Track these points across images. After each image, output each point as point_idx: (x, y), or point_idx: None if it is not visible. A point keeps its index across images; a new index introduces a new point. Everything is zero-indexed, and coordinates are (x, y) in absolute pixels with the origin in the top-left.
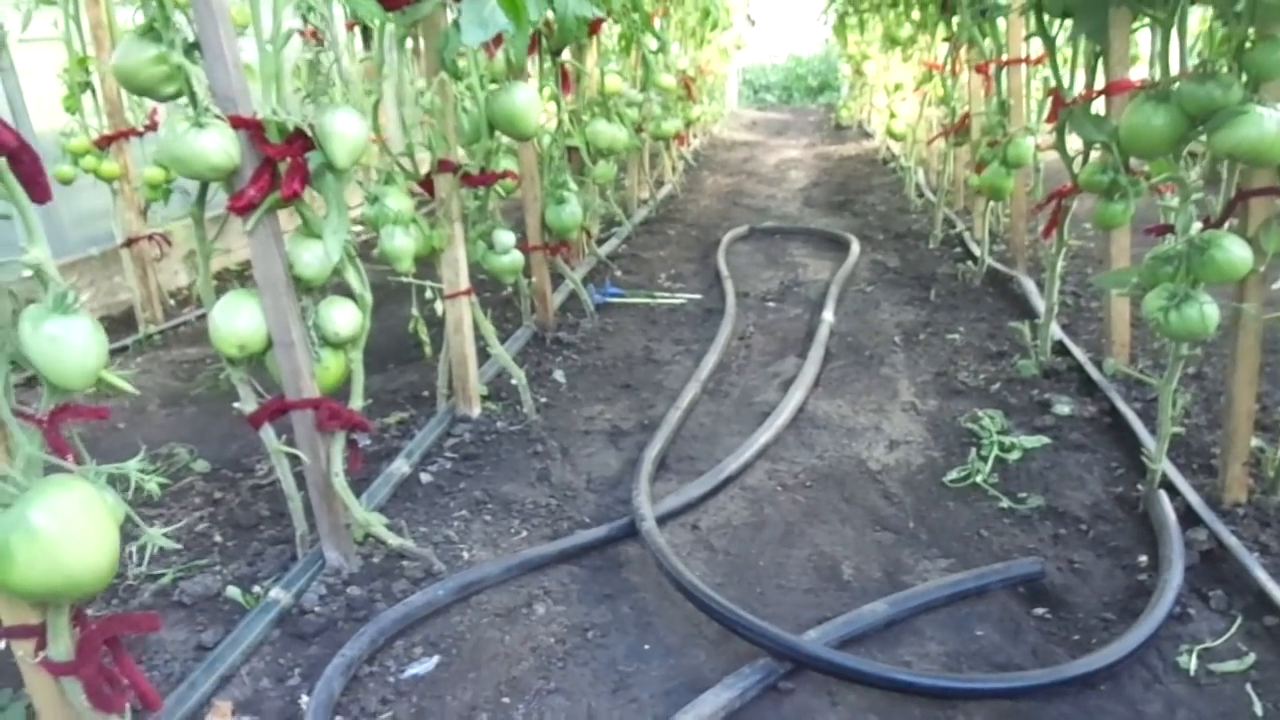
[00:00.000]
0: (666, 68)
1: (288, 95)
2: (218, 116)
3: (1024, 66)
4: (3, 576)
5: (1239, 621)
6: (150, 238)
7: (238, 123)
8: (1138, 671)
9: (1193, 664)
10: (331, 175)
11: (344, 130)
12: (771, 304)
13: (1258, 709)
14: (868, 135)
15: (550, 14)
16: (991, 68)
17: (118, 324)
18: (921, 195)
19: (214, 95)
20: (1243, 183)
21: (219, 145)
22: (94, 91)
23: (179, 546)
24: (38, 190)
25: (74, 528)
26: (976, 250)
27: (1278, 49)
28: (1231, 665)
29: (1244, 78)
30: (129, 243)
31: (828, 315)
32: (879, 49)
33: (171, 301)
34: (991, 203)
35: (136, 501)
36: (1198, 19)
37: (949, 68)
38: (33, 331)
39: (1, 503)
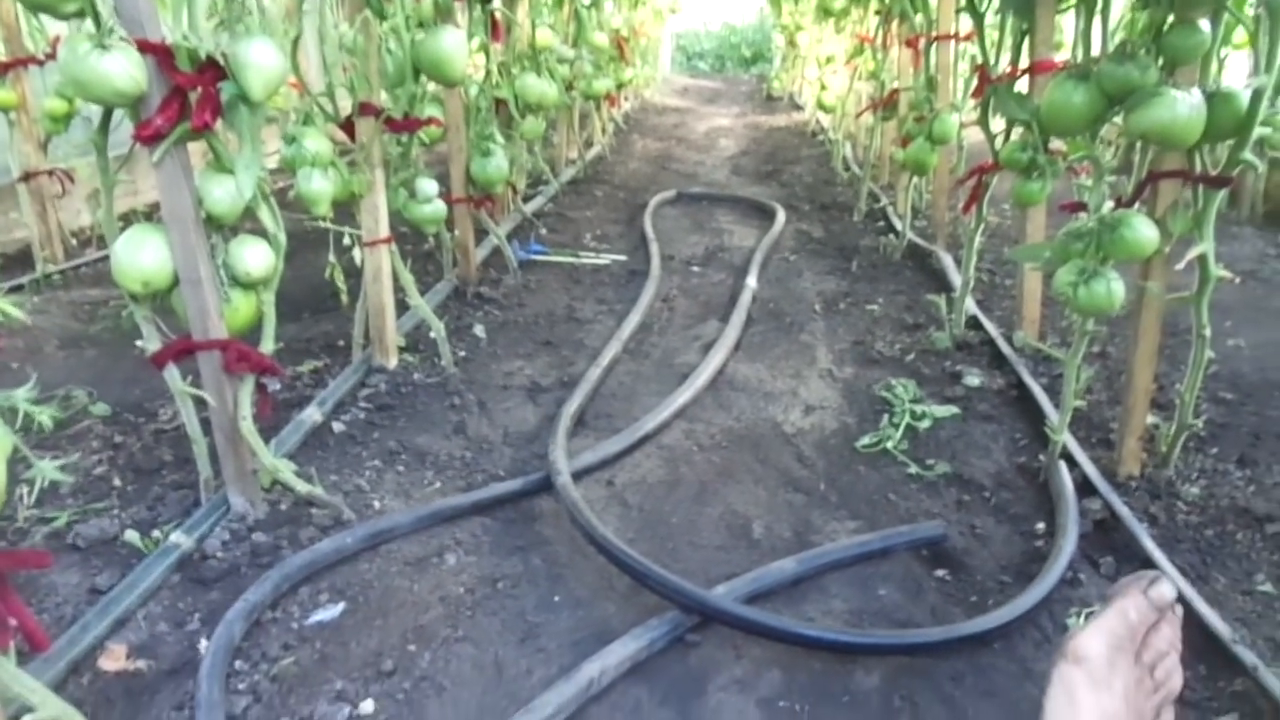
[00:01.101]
0: (600, 26)
1: (200, 21)
2: (123, 39)
3: (953, 43)
4: None
5: None
6: (51, 173)
7: (145, 47)
8: (1029, 632)
9: (1080, 626)
10: (245, 108)
11: (259, 61)
12: (696, 268)
13: None
14: (798, 107)
15: None
16: (921, 42)
17: (13, 262)
18: (849, 169)
19: (120, 16)
20: (1154, 165)
21: (124, 69)
22: None
23: (71, 480)
24: None
25: None
26: (899, 224)
27: (1194, 33)
28: None
29: (1161, 60)
30: (26, 177)
31: (751, 281)
32: (813, 20)
33: (73, 241)
34: (914, 179)
35: (29, 442)
36: (1122, 4)
37: (880, 41)
38: None
39: None
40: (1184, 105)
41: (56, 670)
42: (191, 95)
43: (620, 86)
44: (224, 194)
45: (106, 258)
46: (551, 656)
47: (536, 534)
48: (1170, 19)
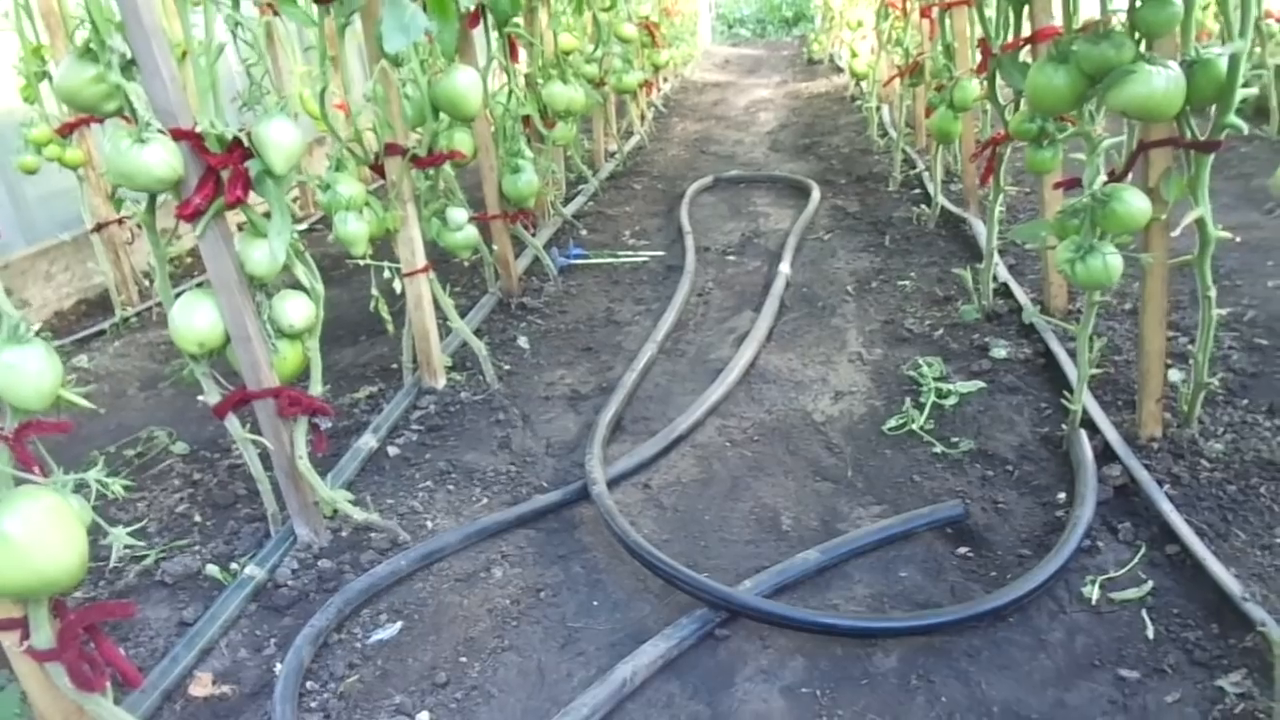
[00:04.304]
0: (629, 17)
1: (224, 106)
2: (160, 130)
3: (967, 9)
4: None
5: (1142, 551)
6: (120, 221)
7: (179, 134)
8: (1045, 603)
9: (1095, 593)
10: (271, 180)
11: (279, 139)
12: (731, 257)
13: (1150, 633)
14: (839, 70)
15: None
16: (934, 11)
17: (94, 307)
18: (885, 134)
19: (154, 109)
20: (1143, 135)
21: (162, 159)
22: (51, 79)
23: (141, 545)
24: None
25: (43, 533)
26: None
27: (1166, 6)
28: (1131, 593)
29: (1136, 35)
30: (99, 227)
31: (784, 267)
32: None
33: (146, 282)
34: (942, 145)
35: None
36: None
37: (902, 7)
38: None
39: None
40: (1160, 79)
41: (151, 700)
42: (223, 173)
43: (657, 70)
44: (262, 256)
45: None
46: (591, 659)
47: (577, 541)
48: None
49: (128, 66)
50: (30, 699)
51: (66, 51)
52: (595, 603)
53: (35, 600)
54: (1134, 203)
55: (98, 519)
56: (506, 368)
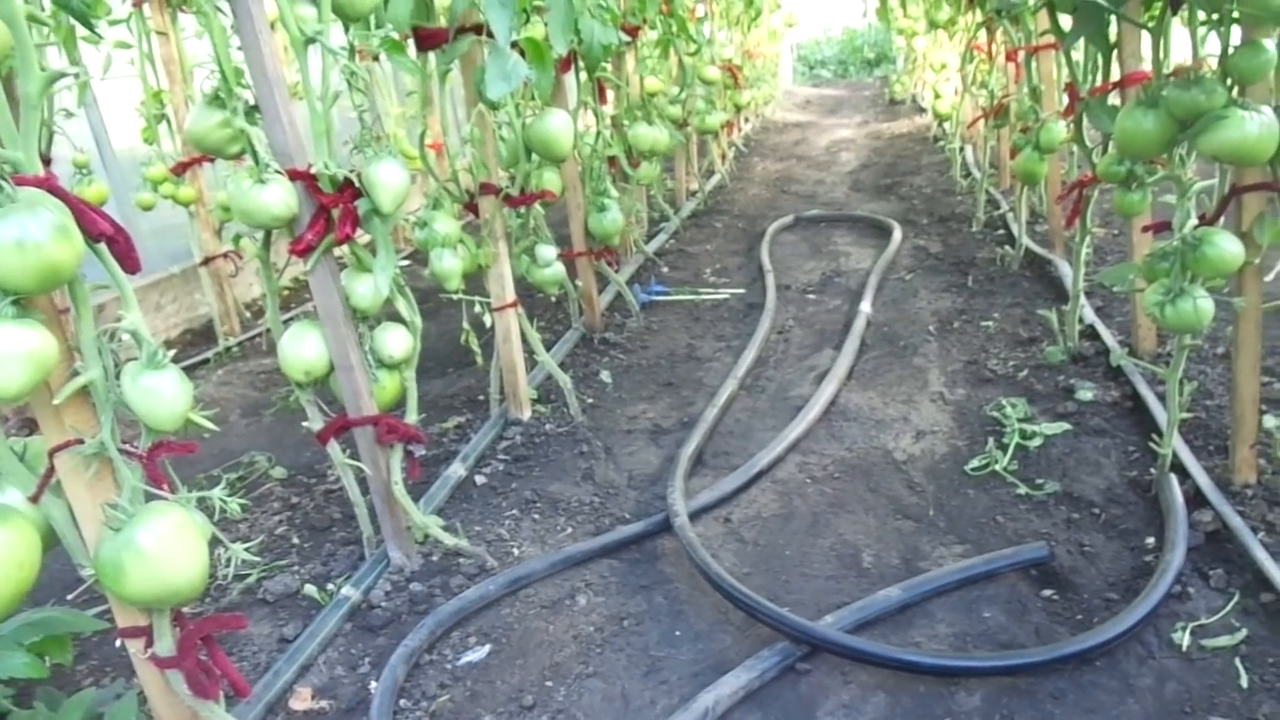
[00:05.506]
0: (712, 60)
1: (337, 148)
2: (277, 171)
3: (1054, 52)
4: (117, 588)
5: (1235, 599)
6: (225, 255)
7: (295, 175)
8: (1133, 648)
9: (1186, 640)
10: (378, 219)
11: (387, 180)
12: (812, 296)
13: (1244, 682)
14: (921, 110)
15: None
16: (1020, 54)
17: (199, 336)
18: (968, 175)
19: (273, 152)
20: (1235, 179)
21: (279, 198)
22: (169, 122)
23: (258, 560)
24: (130, 263)
25: (172, 546)
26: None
27: (1260, 53)
28: (1223, 640)
29: (1229, 81)
30: (206, 261)
31: (865, 306)
32: (925, 27)
33: (247, 314)
34: (1029, 186)
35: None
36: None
37: (987, 50)
38: (131, 384)
39: (112, 527)
40: (1253, 124)
41: (256, 712)
42: (334, 212)
43: (739, 110)
44: (366, 290)
45: None
46: (673, 688)
47: (659, 572)
48: (1235, 40)
49: (250, 112)
50: (150, 704)
51: (185, 96)
52: (677, 632)
53: (160, 610)
54: (1226, 246)
55: (219, 534)
56: (589, 401)
